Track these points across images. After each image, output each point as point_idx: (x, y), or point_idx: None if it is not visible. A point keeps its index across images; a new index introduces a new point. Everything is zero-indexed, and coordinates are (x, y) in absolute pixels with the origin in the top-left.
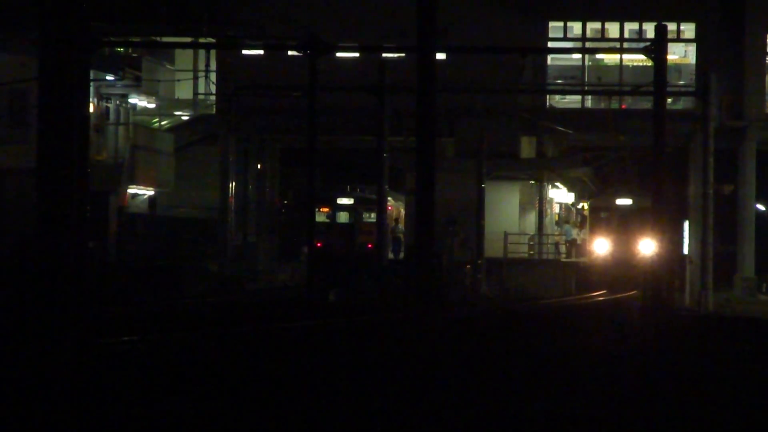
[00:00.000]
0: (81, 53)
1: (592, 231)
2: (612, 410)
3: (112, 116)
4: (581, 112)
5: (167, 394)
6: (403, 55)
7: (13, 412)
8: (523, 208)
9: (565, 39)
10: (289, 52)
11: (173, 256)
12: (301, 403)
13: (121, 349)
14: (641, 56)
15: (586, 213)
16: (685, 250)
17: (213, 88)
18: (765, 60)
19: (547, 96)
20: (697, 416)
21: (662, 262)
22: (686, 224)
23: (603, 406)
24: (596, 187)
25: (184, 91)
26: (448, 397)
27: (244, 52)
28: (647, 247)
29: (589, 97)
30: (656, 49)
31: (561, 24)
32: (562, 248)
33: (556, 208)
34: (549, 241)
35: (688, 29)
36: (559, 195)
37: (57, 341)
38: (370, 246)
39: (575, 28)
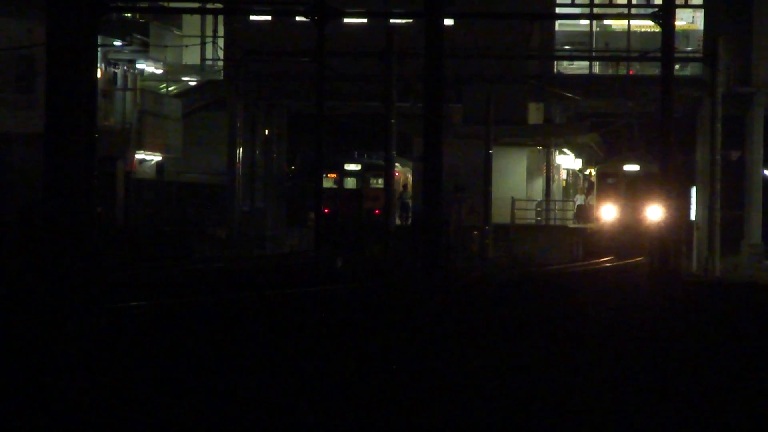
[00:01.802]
0: (88, 18)
1: (599, 197)
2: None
3: (119, 82)
4: (589, 78)
5: (171, 359)
6: (411, 20)
7: (21, 377)
8: (531, 174)
9: (573, 5)
10: (297, 18)
11: (181, 221)
12: (300, 368)
13: (128, 313)
14: (649, 22)
15: (594, 179)
16: (692, 217)
17: (220, 54)
18: None
19: (555, 62)
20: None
21: (669, 228)
22: (693, 190)
23: (605, 374)
24: (604, 153)
25: (191, 56)
26: (445, 365)
27: (252, 17)
28: (654, 213)
29: (597, 63)
30: (664, 14)
31: None
32: (570, 214)
33: (564, 174)
34: (556, 207)
35: None
36: (567, 161)
37: (64, 305)
38: (377, 212)
39: None
